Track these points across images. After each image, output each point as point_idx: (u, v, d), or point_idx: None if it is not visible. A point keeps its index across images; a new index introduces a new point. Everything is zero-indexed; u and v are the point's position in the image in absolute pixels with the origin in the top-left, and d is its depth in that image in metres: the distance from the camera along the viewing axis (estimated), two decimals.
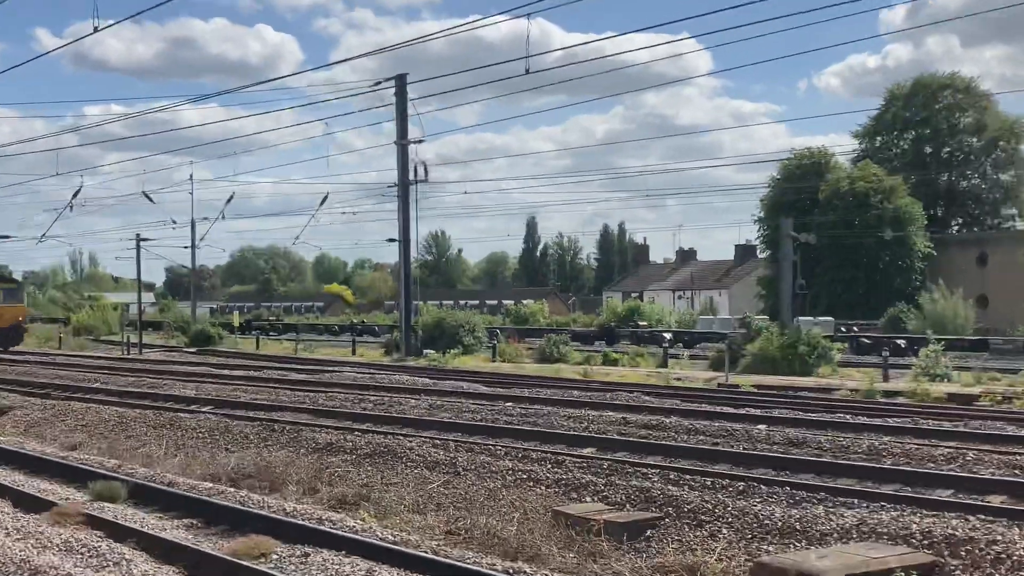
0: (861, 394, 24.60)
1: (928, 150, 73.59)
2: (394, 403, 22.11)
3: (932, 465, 13.91)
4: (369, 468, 14.26)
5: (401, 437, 16.72)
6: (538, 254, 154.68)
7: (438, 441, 16.27)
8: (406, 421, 19.18)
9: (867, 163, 67.32)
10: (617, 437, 16.67)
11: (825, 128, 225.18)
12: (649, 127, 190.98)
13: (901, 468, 13.55)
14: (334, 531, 10.18)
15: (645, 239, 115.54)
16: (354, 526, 10.62)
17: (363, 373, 31.82)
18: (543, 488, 12.67)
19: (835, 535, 9.85)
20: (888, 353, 31.99)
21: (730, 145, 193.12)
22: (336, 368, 34.18)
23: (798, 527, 10.14)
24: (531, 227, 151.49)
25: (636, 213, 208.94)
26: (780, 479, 13.01)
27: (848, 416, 18.96)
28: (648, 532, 10.48)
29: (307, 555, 9.44)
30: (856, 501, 11.51)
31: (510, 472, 13.44)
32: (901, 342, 42.18)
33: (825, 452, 15.09)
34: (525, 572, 8.90)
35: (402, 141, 43.16)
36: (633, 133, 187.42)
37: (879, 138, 75.52)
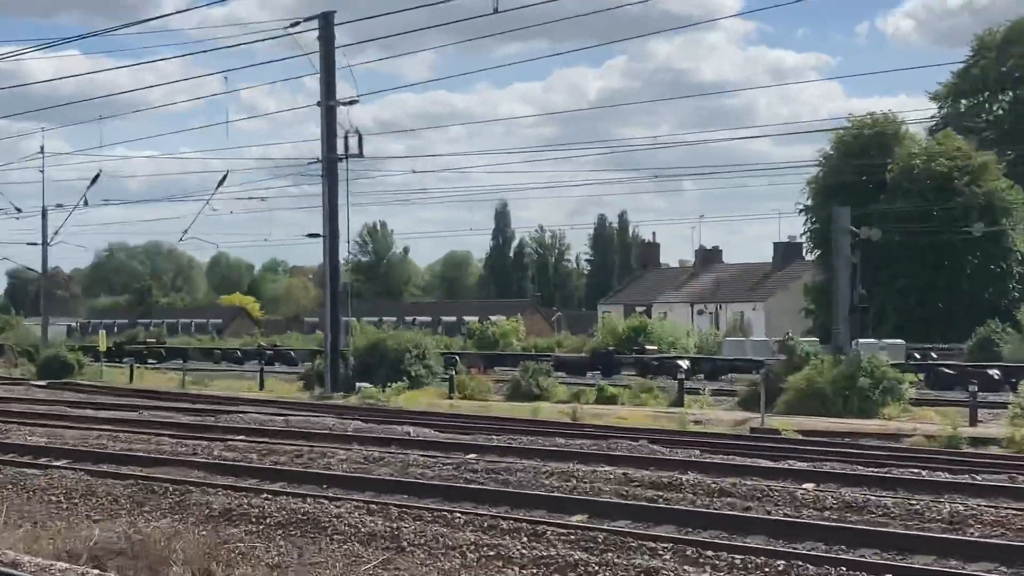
0: (941, 442, 24.78)
1: None
2: (316, 455, 22.04)
3: None
4: (282, 543, 14.18)
5: (326, 501, 16.65)
6: (511, 254, 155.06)
7: (375, 506, 16.22)
8: (333, 479, 19.10)
9: (949, 134, 67.71)
10: (616, 500, 16.68)
11: (893, 87, 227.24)
12: (659, 85, 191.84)
13: (994, 541, 13.65)
14: None
15: (654, 235, 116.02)
16: None
17: (274, 414, 31.70)
18: (516, 569, 12.67)
19: None
20: (977, 387, 32.21)
21: (767, 110, 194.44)
22: (238, 407, 34.08)
23: None
24: (502, 218, 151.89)
25: (642, 200, 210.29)
26: (833, 556, 13.07)
27: (923, 471, 19.09)
28: None
29: None
30: None
31: (472, 548, 13.42)
32: (994, 373, 42.53)
33: (893, 520, 15.18)
34: None
35: (329, 102, 43.13)
36: (638, 93, 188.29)
37: (965, 101, 76.14)
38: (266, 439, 25.07)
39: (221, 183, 55.98)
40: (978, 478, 18.37)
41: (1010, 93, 75.07)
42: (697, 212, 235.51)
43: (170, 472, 20.00)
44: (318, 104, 43.60)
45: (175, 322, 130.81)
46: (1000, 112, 75.63)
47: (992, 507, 15.60)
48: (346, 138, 43.11)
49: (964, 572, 12.41)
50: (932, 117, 75.37)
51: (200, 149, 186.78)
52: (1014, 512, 15.24)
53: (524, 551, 13.19)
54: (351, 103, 43.22)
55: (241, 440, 24.92)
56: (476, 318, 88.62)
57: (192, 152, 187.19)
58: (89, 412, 32.79)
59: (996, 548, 13.28)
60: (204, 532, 14.71)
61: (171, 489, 17.68)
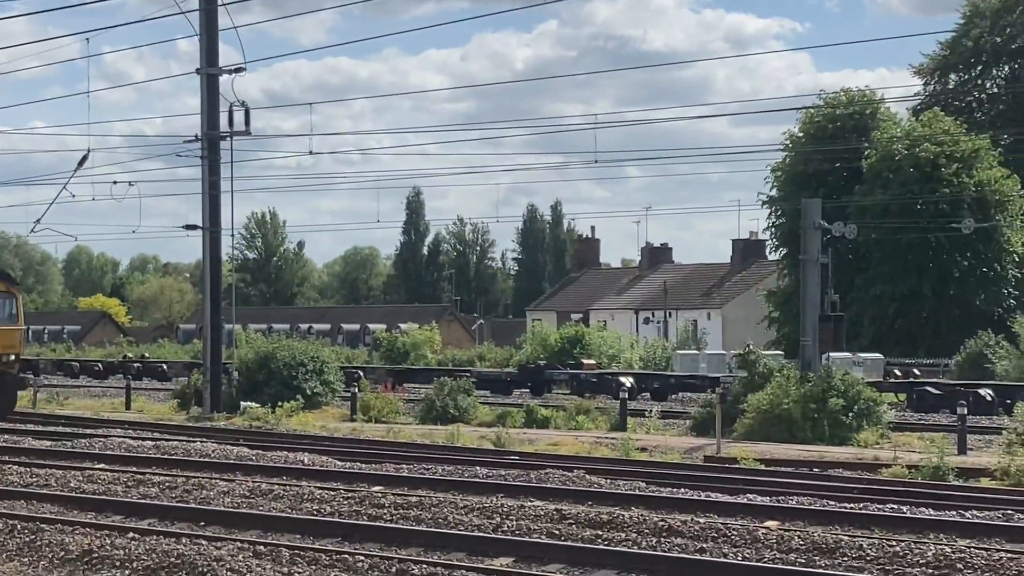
0: (924, 473, 25.04)
1: None
2: (193, 487, 21.90)
3: None
4: None
5: (204, 541, 16.55)
6: (425, 251, 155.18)
7: (263, 547, 16.14)
8: (212, 515, 18.99)
9: (936, 114, 68.34)
10: (548, 540, 16.72)
11: (871, 60, 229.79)
12: (599, 55, 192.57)
13: None
14: None
15: (593, 229, 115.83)
16: None
17: (144, 438, 31.44)
18: None
19: None
20: (966, 410, 32.58)
21: (724, 84, 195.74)
22: (100, 431, 33.75)
23: None
24: (414, 208, 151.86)
25: (579, 188, 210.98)
26: None
27: (905, 508, 19.29)
28: None
29: None
30: None
31: None
32: (987, 393, 43.02)
33: (868, 563, 15.33)
34: None
35: (210, 69, 42.87)
36: (574, 64, 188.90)
37: (954, 76, 76.95)
38: (133, 468, 24.86)
39: (81, 164, 55.33)
40: (967, 515, 18.59)
41: (1006, 67, 75.77)
42: (643, 203, 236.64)
43: (17, 507, 19.80)
44: (197, 72, 43.28)
45: (26, 329, 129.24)
46: (995, 89, 76.29)
47: (983, 549, 15.79)
48: (230, 112, 42.81)
49: None
50: (916, 95, 75.82)
51: (56, 124, 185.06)
52: (1008, 555, 15.44)
53: None
54: (236, 71, 42.93)
55: (103, 469, 24.69)
56: (383, 326, 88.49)
57: (46, 127, 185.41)
58: None
59: None
60: None
61: (19, 527, 17.49)
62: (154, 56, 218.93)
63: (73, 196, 53.19)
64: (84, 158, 54.52)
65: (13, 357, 37.38)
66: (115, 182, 49.13)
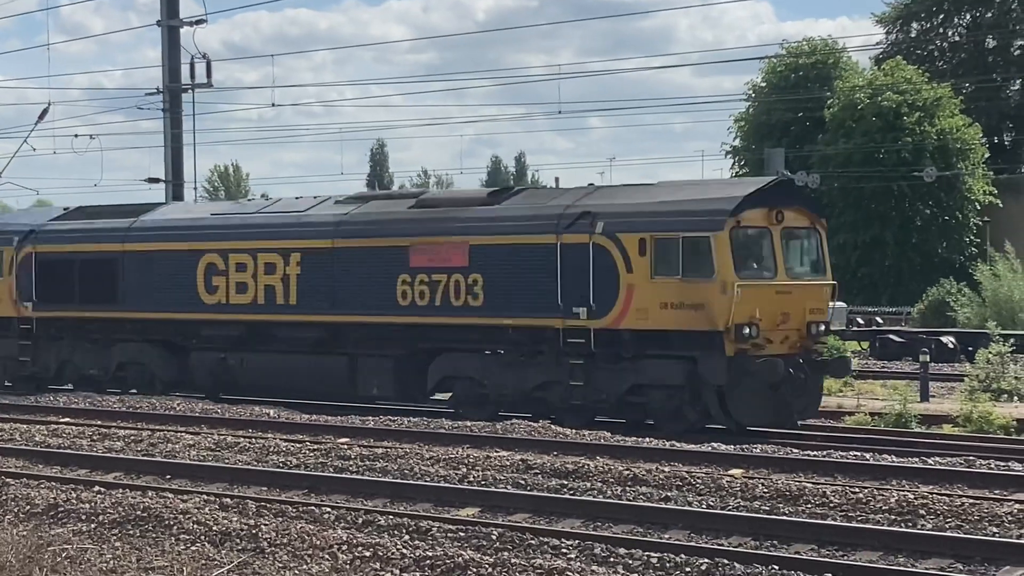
0: (887, 420, 25.16)
1: (992, 43, 75.17)
2: (159, 440, 21.89)
3: (996, 530, 14.35)
4: (118, 544, 14.09)
5: (170, 494, 16.57)
6: None
7: (229, 500, 16.17)
8: (179, 469, 19.01)
9: (898, 63, 68.39)
10: (513, 491, 16.78)
11: (833, 8, 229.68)
12: (561, 4, 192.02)
13: (948, 534, 13.93)
14: None
15: (557, 180, 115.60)
16: None
17: (109, 392, 31.39)
18: (397, 572, 12.70)
19: None
20: (929, 357, 32.73)
21: (687, 34, 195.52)
22: (64, 390, 33.62)
23: None
24: (377, 161, 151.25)
25: (543, 139, 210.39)
26: (764, 552, 13.27)
27: (868, 455, 19.41)
28: None
29: None
30: None
31: (345, 548, 13.43)
32: (949, 340, 43.19)
33: (832, 510, 15.43)
34: None
35: (171, 21, 42.58)
36: (535, 14, 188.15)
37: (916, 25, 76.99)
38: (99, 422, 24.85)
39: (41, 117, 54.92)
40: (930, 462, 18.70)
41: (967, 16, 75.75)
42: (607, 154, 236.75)
43: None
44: (158, 24, 43.01)
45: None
46: (956, 38, 76.32)
47: (946, 495, 15.90)
48: (192, 64, 42.60)
49: (914, 570, 12.65)
50: (878, 43, 75.79)
51: (14, 77, 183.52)
52: (971, 501, 15.55)
53: (406, 551, 13.23)
54: (197, 23, 42.68)
55: (69, 423, 24.66)
56: None
57: (5, 80, 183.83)
58: None
59: (950, 542, 13.56)
60: (24, 532, 14.55)
61: None
62: (113, 8, 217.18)
63: (34, 150, 52.78)
64: (44, 111, 54.07)
65: (823, 328, 24.36)
66: (76, 135, 48.84)
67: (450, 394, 26.31)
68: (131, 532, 14.72)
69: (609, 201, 24.77)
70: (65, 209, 34.38)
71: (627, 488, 16.88)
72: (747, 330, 22.50)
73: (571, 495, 16.46)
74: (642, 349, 23.48)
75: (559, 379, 24.31)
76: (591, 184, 28.60)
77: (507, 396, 25.09)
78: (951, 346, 41.91)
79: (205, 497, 16.37)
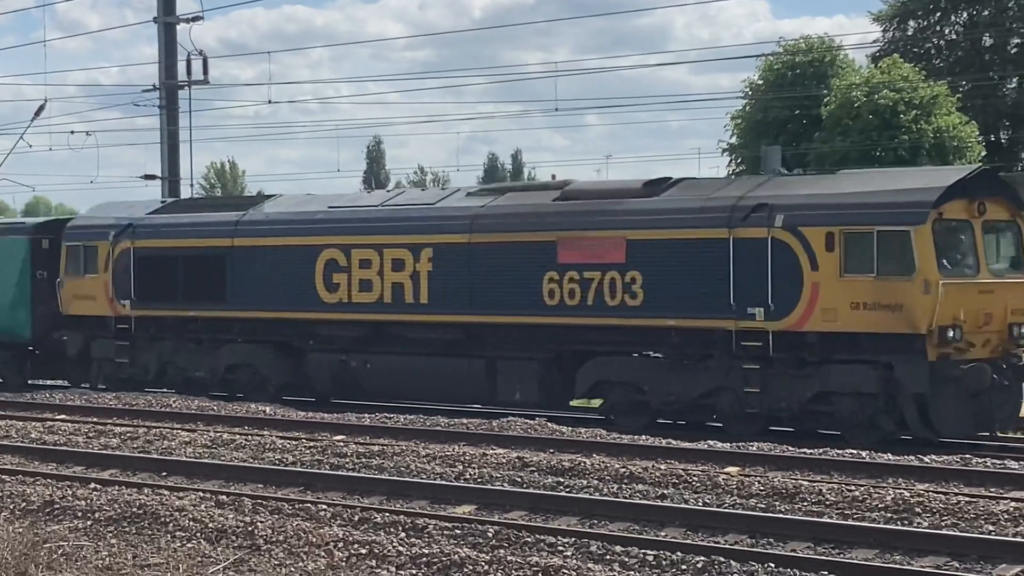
0: None
1: (989, 41, 75.23)
2: (155, 437, 21.88)
3: (992, 528, 14.36)
4: (114, 541, 14.08)
5: (166, 492, 16.54)
6: None
7: (225, 497, 16.15)
8: (174, 466, 19.00)
9: (895, 61, 68.27)
10: (509, 488, 16.77)
11: (830, 7, 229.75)
12: (558, 2, 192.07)
13: (944, 532, 13.94)
14: None
15: (554, 177, 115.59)
16: None
17: (102, 389, 31.36)
18: (393, 569, 12.69)
19: None
20: None
21: (684, 32, 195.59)
22: (59, 387, 33.61)
23: None
24: (374, 158, 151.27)
25: (539, 136, 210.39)
26: (760, 550, 13.26)
27: (864, 453, 19.42)
28: None
29: None
30: None
31: (341, 545, 13.41)
32: None
33: (828, 508, 15.43)
34: None
35: (167, 18, 42.53)
36: (531, 12, 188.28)
37: (913, 23, 77.00)
38: (94, 419, 24.83)
39: (38, 114, 54.91)
40: (926, 460, 18.70)
41: (964, 14, 75.74)
42: (604, 151, 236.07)
43: None
44: (154, 21, 42.91)
45: None
46: (953, 36, 76.34)
47: (942, 493, 15.91)
48: (188, 61, 42.48)
49: (910, 568, 12.66)
50: (875, 41, 75.74)
51: (11, 73, 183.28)
52: (966, 499, 15.56)
53: (401, 548, 13.22)
54: (194, 20, 42.64)
55: (64, 420, 24.64)
56: None
57: (1, 76, 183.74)
58: None
59: (946, 540, 13.57)
60: (20, 529, 14.55)
61: None
62: (109, 4, 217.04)
63: (30, 146, 52.71)
64: (41, 108, 54.07)
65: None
66: (72, 132, 48.76)
67: (600, 401, 24.85)
68: (127, 529, 14.72)
69: (787, 192, 23.14)
70: (162, 202, 32.92)
71: (623, 486, 16.87)
72: (951, 333, 20.88)
73: (567, 493, 16.46)
74: (829, 353, 21.83)
75: (730, 385, 22.58)
76: (775, 171, 26.98)
77: (670, 403, 23.41)
78: None
79: (201, 494, 16.37)
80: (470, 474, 17.89)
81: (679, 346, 23.27)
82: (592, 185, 27.12)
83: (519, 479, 17.49)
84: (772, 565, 12.46)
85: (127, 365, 30.36)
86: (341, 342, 27.36)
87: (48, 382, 33.03)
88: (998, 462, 18.45)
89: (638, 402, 23.82)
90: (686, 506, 15.49)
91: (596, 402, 25.28)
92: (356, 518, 14.93)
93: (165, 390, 29.90)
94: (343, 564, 12.89)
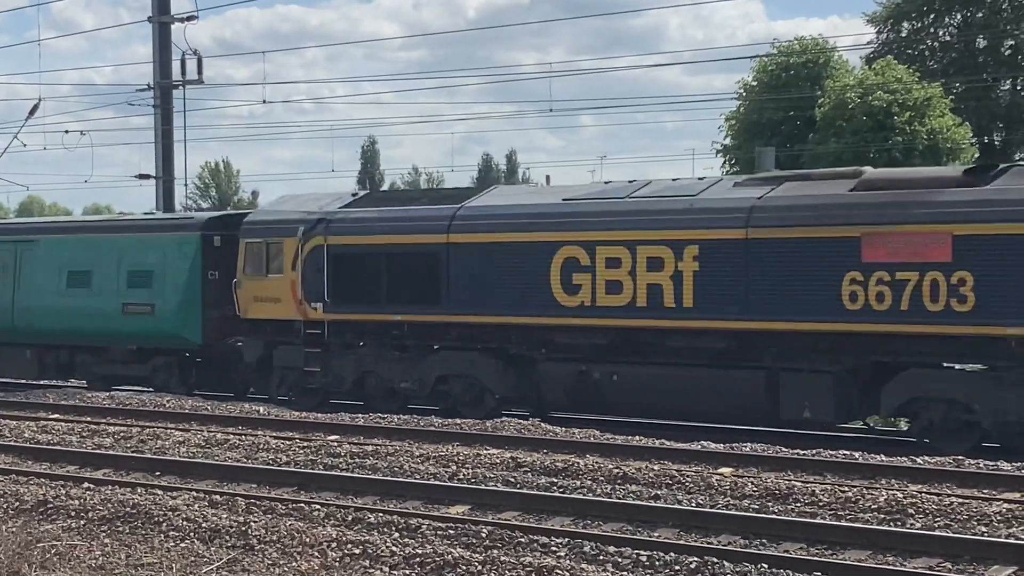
0: (877, 419, 25.17)
1: (982, 43, 75.34)
2: (149, 437, 21.87)
3: (985, 530, 14.38)
4: (107, 540, 14.08)
5: (160, 491, 16.55)
6: None
7: (219, 497, 16.15)
8: (168, 465, 18.99)
9: (888, 63, 68.41)
10: (503, 488, 16.77)
11: (824, 8, 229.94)
12: (552, 2, 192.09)
13: (937, 533, 13.95)
14: None
15: (548, 178, 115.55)
16: None
17: (96, 388, 31.36)
18: (386, 569, 12.69)
19: None
20: None
21: (678, 33, 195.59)
22: (53, 386, 33.62)
23: None
24: (369, 157, 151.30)
25: (534, 137, 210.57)
26: (753, 551, 13.27)
27: (857, 453, 19.43)
28: None
29: None
30: None
31: (334, 545, 13.42)
32: None
33: (821, 509, 15.44)
34: None
35: (162, 17, 42.53)
36: (526, 12, 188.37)
37: (907, 24, 77.09)
38: (88, 418, 24.83)
39: (32, 113, 54.88)
40: (919, 461, 18.70)
41: (958, 15, 75.84)
42: (598, 152, 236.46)
43: None
44: (149, 20, 42.94)
45: None
46: (947, 38, 76.44)
47: (935, 494, 15.92)
48: (183, 61, 42.58)
49: (903, 569, 12.67)
50: (869, 43, 75.91)
51: (5, 72, 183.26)
52: (959, 500, 15.57)
53: (395, 548, 13.23)
54: (189, 19, 42.67)
55: (58, 419, 24.63)
56: None
57: None
58: None
59: (939, 541, 13.57)
60: (14, 529, 14.56)
61: None
62: (103, 4, 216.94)
63: (24, 145, 52.96)
64: (35, 107, 53.98)
65: None
66: (67, 131, 48.76)
67: (911, 420, 22.02)
68: (120, 529, 14.72)
69: None
70: (353, 195, 29.36)
71: (617, 486, 16.88)
72: None
73: (561, 493, 16.46)
74: None
75: None
76: None
77: (1006, 424, 20.52)
78: None
79: (195, 494, 16.37)
80: (464, 474, 17.89)
81: (1018, 357, 20.33)
82: (894, 173, 23.95)
83: (513, 479, 17.49)
84: (765, 566, 12.48)
85: (318, 375, 27.61)
86: (581, 351, 24.39)
87: (214, 393, 30.28)
88: (991, 463, 18.43)
89: (962, 422, 20.96)
90: (680, 507, 15.49)
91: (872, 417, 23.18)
92: (350, 518, 14.93)
93: (361, 403, 27.19)
94: (336, 564, 12.89)
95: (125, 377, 31.50)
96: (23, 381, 32.83)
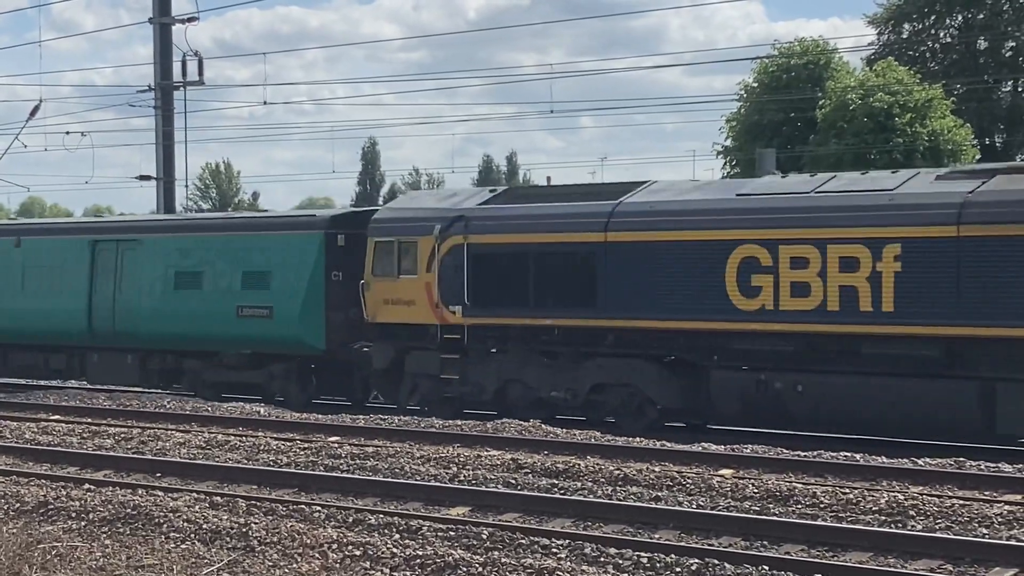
0: None
1: (983, 45, 75.34)
2: (149, 438, 21.86)
3: (986, 532, 14.36)
4: (108, 542, 14.06)
5: (160, 492, 16.54)
6: (381, 201, 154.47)
7: (220, 498, 16.14)
8: (169, 467, 18.98)
9: (889, 64, 68.34)
10: (503, 490, 16.76)
11: (824, 9, 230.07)
12: (552, 3, 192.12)
13: (938, 535, 13.94)
14: None
15: (549, 179, 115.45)
16: None
17: (96, 389, 31.36)
18: (387, 571, 12.68)
19: None
20: None
21: (678, 34, 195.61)
22: (53, 387, 33.61)
23: None
24: (369, 158, 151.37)
25: (534, 138, 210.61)
26: (754, 553, 13.26)
27: (858, 455, 19.42)
28: None
29: None
30: None
31: (335, 547, 13.40)
32: None
33: (822, 511, 15.43)
34: None
35: (163, 18, 42.55)
36: (526, 13, 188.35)
37: (908, 25, 77.09)
38: (88, 419, 24.82)
39: (33, 114, 54.89)
40: (920, 463, 18.70)
41: (959, 17, 75.85)
42: (598, 153, 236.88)
43: None
44: (150, 21, 42.99)
45: None
46: (948, 39, 76.43)
47: (936, 496, 15.92)
48: (183, 62, 42.66)
49: (904, 571, 12.66)
50: (869, 44, 75.89)
51: (6, 74, 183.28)
52: (960, 502, 15.56)
53: (395, 550, 13.21)
54: (189, 20, 42.70)
55: (58, 420, 24.62)
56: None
57: None
58: None
59: (940, 543, 13.56)
60: (14, 530, 14.55)
61: None
62: (104, 5, 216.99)
63: (25, 147, 52.74)
64: (36, 108, 54.01)
65: None
66: (68, 132, 48.76)
67: None
68: (121, 530, 14.71)
69: None
70: (491, 191, 27.74)
71: (617, 488, 16.87)
72: None
73: (561, 494, 16.45)
74: None
75: None
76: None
77: None
78: None
79: (195, 495, 16.36)
80: (464, 476, 17.88)
81: None
82: None
83: (513, 481, 17.48)
84: (766, 568, 12.47)
85: (455, 383, 25.74)
86: (760, 358, 22.61)
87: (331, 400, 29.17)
88: (992, 465, 18.43)
89: None
90: (680, 508, 15.48)
91: None
92: (350, 519, 14.92)
93: (499, 414, 25.06)
94: (337, 565, 12.88)
95: (238, 384, 29.72)
96: (127, 389, 31.54)
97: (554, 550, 13.29)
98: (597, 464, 18.26)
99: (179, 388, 30.85)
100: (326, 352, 28.08)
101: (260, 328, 28.56)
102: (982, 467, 18.16)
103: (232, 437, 21.85)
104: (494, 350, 25.44)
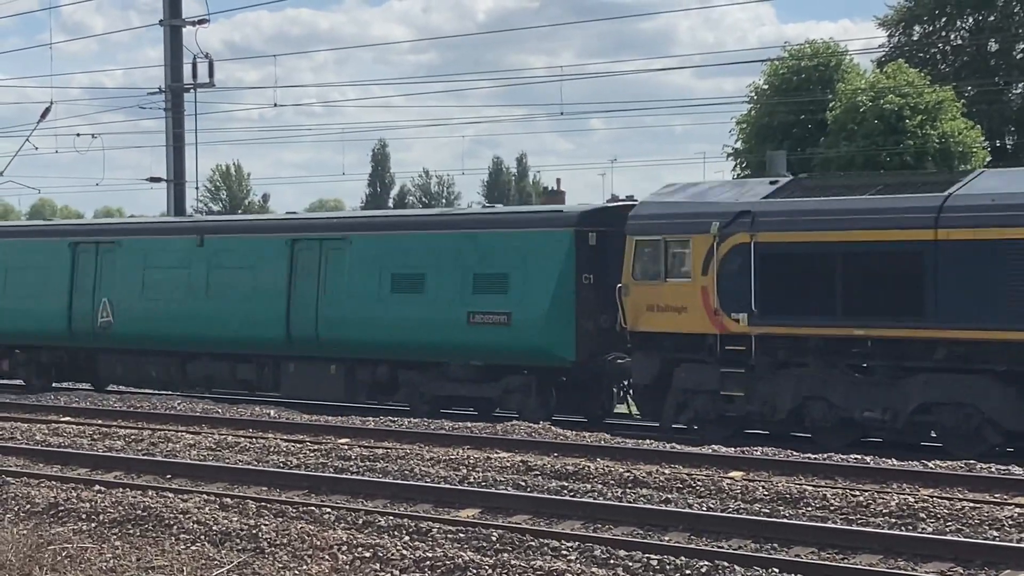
0: None
1: (994, 47, 75.29)
2: (160, 440, 21.89)
3: (996, 534, 14.36)
4: (118, 543, 14.08)
5: (170, 494, 16.56)
6: (391, 203, 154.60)
7: (230, 500, 16.16)
8: (179, 468, 19.00)
9: (900, 66, 68.32)
10: (513, 492, 16.77)
11: (834, 11, 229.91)
12: (562, 5, 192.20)
13: (948, 538, 13.93)
14: None
15: (559, 182, 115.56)
16: None
17: (110, 392, 31.40)
18: (397, 573, 12.70)
19: None
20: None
21: (689, 35, 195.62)
22: (64, 389, 33.66)
23: None
24: (379, 160, 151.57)
25: (544, 140, 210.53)
26: (764, 555, 13.26)
27: (869, 458, 19.41)
28: None
29: None
30: None
31: (345, 548, 13.42)
32: None
33: (832, 513, 15.43)
34: None
35: (173, 21, 42.59)
36: (536, 15, 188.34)
37: (918, 27, 77.06)
38: (99, 421, 24.85)
39: (43, 116, 54.96)
40: (930, 465, 18.69)
41: (970, 19, 75.80)
42: (608, 155, 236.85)
43: None
44: (160, 23, 43.04)
45: None
46: (958, 41, 76.40)
47: (946, 498, 15.91)
48: (194, 64, 42.68)
49: (914, 574, 12.66)
50: (880, 46, 75.90)
51: (17, 76, 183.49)
52: (971, 504, 15.55)
53: (406, 552, 13.23)
54: (200, 23, 42.74)
55: (69, 422, 24.65)
56: None
57: (6, 79, 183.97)
58: None
59: (950, 545, 13.56)
60: (25, 531, 14.56)
61: None
62: (114, 7, 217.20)
63: (36, 148, 52.78)
64: (47, 110, 54.05)
65: None
66: (78, 134, 48.82)
67: None
68: (131, 531, 14.73)
69: None
70: (772, 183, 24.56)
71: (627, 490, 16.88)
72: None
73: (571, 497, 16.46)
74: None
75: None
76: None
77: None
78: None
79: (205, 497, 16.38)
80: (474, 478, 17.90)
81: None
82: None
83: (523, 483, 17.49)
84: (776, 570, 12.47)
85: (739, 400, 22.77)
86: None
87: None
88: (1003, 468, 18.42)
89: None
90: (690, 510, 15.49)
91: None
92: (360, 521, 14.94)
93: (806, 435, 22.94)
94: (347, 567, 12.90)
95: (466, 399, 27.07)
96: (329, 403, 28.73)
97: (564, 552, 13.30)
98: (607, 466, 18.27)
99: (390, 402, 28.51)
100: (575, 364, 25.44)
101: (495, 337, 25.92)
102: (992, 470, 18.15)
103: (242, 439, 21.87)
104: (786, 364, 22.56)
